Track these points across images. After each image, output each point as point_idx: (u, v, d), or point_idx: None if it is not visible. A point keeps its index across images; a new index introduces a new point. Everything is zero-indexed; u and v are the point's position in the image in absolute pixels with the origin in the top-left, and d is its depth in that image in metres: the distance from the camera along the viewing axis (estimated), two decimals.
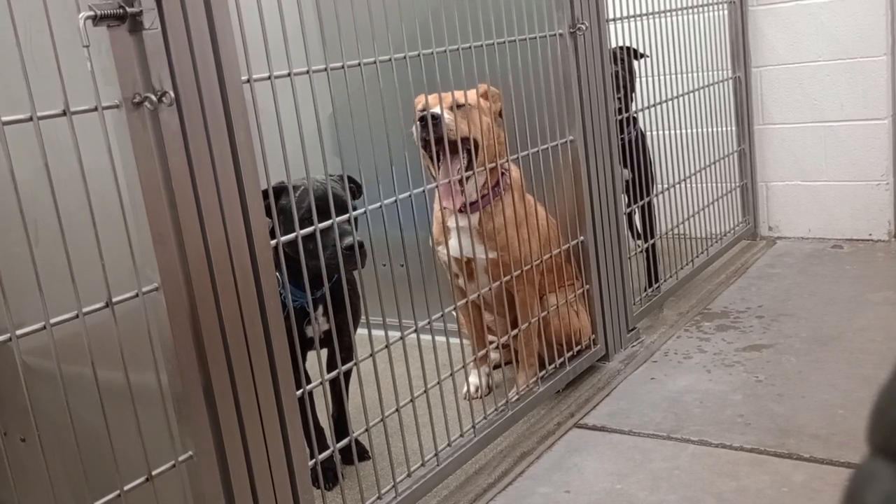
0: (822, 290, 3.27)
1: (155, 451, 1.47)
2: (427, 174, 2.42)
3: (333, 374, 1.92)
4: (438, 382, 2.14)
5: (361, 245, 1.97)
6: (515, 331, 2.54)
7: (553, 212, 2.69)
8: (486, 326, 2.80)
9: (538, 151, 2.52)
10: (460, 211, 2.46)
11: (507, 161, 2.47)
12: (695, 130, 3.57)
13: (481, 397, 2.68)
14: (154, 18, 1.38)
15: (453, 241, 2.51)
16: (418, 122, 2.33)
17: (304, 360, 2.17)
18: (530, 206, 2.56)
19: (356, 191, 2.22)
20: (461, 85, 2.25)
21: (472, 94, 2.39)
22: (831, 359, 2.66)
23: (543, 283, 2.62)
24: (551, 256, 2.60)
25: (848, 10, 3.64)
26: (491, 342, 2.64)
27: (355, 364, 1.95)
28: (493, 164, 2.42)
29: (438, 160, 2.40)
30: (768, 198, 4.03)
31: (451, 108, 2.34)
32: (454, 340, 2.84)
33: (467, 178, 2.40)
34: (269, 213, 1.67)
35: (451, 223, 2.49)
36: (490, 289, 2.42)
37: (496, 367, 2.91)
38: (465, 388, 2.70)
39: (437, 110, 2.29)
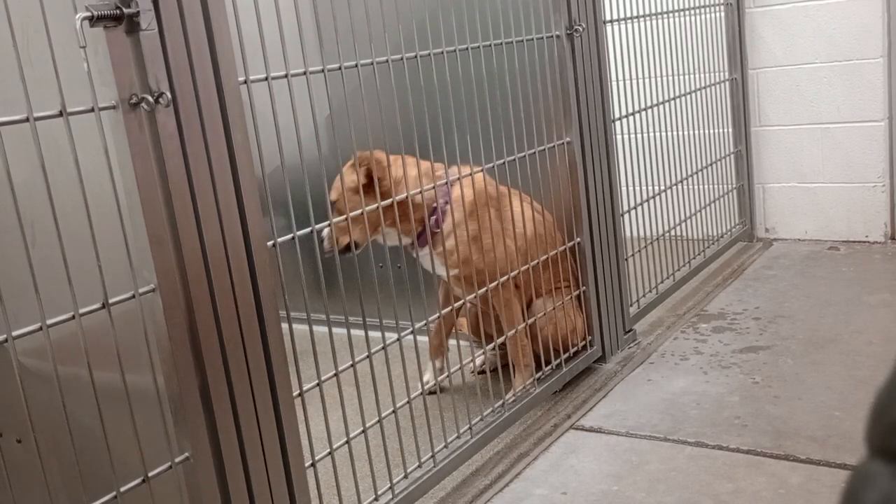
0: (819, 291, 3.28)
1: (151, 452, 1.47)
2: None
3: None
4: (436, 383, 2.14)
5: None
6: (501, 339, 2.54)
7: (548, 214, 2.69)
8: (483, 329, 2.80)
9: (535, 153, 2.53)
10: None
11: (448, 183, 2.41)
12: (692, 132, 3.57)
13: (436, 392, 2.66)
14: (151, 19, 1.38)
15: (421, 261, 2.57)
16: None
17: None
18: (504, 210, 2.51)
19: None
20: (458, 87, 2.24)
21: (340, 183, 2.42)
22: (828, 361, 2.66)
23: (530, 285, 2.61)
24: (544, 259, 2.59)
25: (845, 13, 3.64)
26: (476, 344, 2.64)
27: (352, 365, 1.95)
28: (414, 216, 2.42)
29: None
30: (765, 199, 4.03)
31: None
32: (451, 342, 2.84)
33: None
34: None
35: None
36: (465, 301, 2.41)
37: (493, 370, 2.91)
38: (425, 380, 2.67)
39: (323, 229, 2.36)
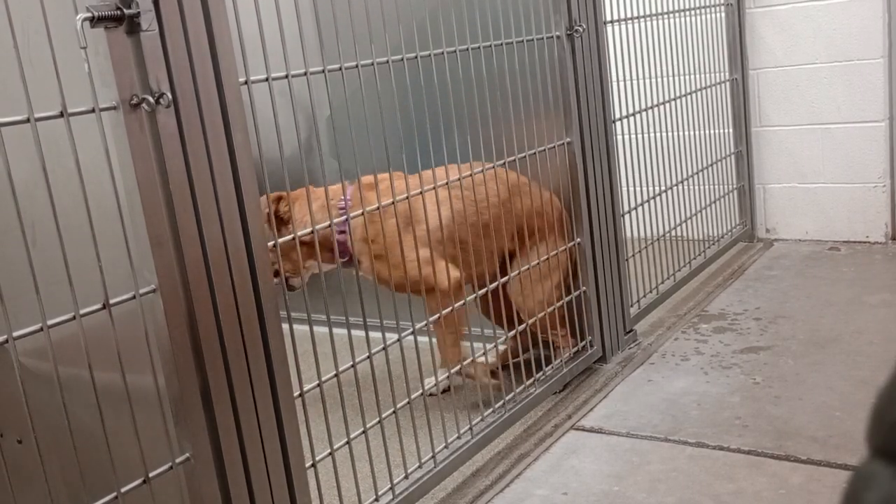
0: (820, 292, 3.28)
1: (152, 453, 1.47)
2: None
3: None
4: (436, 384, 2.14)
5: None
6: (511, 332, 2.54)
7: (547, 214, 2.68)
8: (505, 315, 2.79)
9: (535, 153, 2.53)
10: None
11: (349, 217, 2.19)
12: (692, 133, 3.57)
13: (437, 395, 2.66)
14: (151, 20, 1.38)
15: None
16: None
17: None
18: (416, 211, 2.42)
19: None
20: (458, 87, 2.25)
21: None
22: (828, 361, 2.66)
23: (482, 262, 2.51)
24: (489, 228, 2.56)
25: (845, 13, 3.64)
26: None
27: (353, 366, 1.95)
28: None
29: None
30: (766, 200, 4.03)
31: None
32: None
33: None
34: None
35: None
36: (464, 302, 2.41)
37: (493, 370, 2.91)
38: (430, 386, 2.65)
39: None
